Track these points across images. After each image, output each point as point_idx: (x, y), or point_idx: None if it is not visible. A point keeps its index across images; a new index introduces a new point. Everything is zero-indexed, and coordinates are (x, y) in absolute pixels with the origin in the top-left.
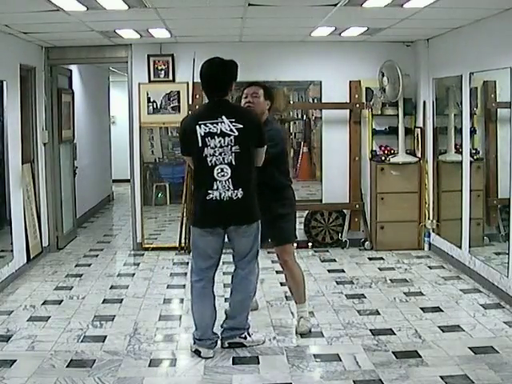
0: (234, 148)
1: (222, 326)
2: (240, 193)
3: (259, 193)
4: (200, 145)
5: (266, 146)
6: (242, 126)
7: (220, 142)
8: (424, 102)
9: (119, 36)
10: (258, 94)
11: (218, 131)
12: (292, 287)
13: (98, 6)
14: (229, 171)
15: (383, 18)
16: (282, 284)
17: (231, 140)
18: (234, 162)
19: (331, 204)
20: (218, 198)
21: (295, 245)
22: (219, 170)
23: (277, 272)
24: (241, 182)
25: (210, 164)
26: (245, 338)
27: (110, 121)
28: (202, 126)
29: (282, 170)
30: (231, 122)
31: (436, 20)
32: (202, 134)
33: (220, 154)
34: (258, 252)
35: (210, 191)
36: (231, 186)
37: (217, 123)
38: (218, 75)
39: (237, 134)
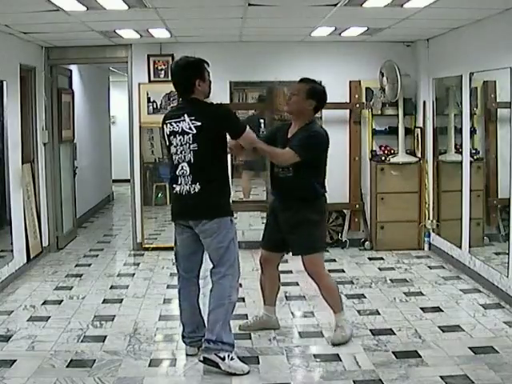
0: (192, 146)
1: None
2: (198, 187)
3: (287, 196)
4: (167, 143)
5: (246, 130)
6: (200, 123)
7: (180, 140)
8: (424, 102)
9: (119, 36)
10: (297, 91)
11: (180, 130)
12: (326, 298)
13: (97, 6)
14: (187, 169)
15: (383, 17)
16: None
17: (189, 138)
18: (192, 160)
19: (331, 204)
20: (179, 191)
21: (322, 255)
22: (180, 168)
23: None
24: (199, 178)
25: (174, 162)
26: (223, 358)
27: (110, 121)
28: (168, 125)
29: (317, 176)
30: (191, 120)
31: (436, 20)
32: (168, 132)
33: (181, 152)
34: (233, 257)
35: (174, 185)
36: (190, 181)
37: (179, 122)
38: (178, 75)
39: (195, 131)
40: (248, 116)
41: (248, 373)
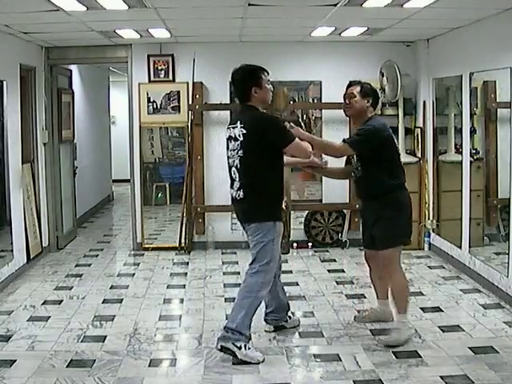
0: (239, 152)
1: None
2: (242, 193)
3: (363, 196)
4: (226, 147)
5: (294, 141)
6: (245, 131)
7: (233, 145)
8: (424, 102)
9: (119, 36)
10: (353, 93)
11: (234, 135)
12: (393, 295)
13: (97, 6)
14: (236, 174)
15: (383, 18)
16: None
17: (238, 144)
18: (238, 166)
19: (331, 204)
20: (232, 195)
21: (400, 249)
22: (232, 172)
23: None
24: (244, 184)
25: (229, 165)
26: (239, 347)
27: (110, 121)
28: (228, 130)
29: (387, 169)
30: (241, 128)
31: (436, 20)
32: (227, 137)
33: (232, 156)
34: (269, 256)
35: (230, 188)
36: (237, 187)
37: (234, 128)
38: (236, 83)
39: (242, 139)
40: None
41: (263, 361)
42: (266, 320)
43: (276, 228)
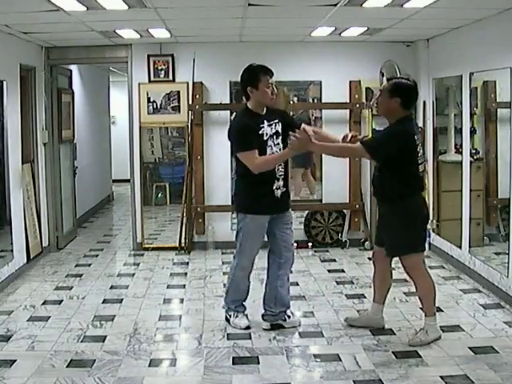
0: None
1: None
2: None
3: (378, 196)
4: None
5: (244, 152)
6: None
7: None
8: (424, 102)
9: (119, 36)
10: (381, 92)
11: None
12: (420, 299)
13: (97, 6)
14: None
15: (383, 17)
16: None
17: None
18: (234, 161)
19: (331, 204)
20: None
21: (421, 255)
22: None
23: None
24: (236, 177)
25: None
26: (230, 316)
27: (110, 121)
28: None
29: (401, 175)
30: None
31: (436, 20)
32: None
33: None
34: (242, 246)
35: None
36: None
37: None
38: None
39: None
40: None
41: (248, 328)
42: (263, 317)
43: (246, 220)
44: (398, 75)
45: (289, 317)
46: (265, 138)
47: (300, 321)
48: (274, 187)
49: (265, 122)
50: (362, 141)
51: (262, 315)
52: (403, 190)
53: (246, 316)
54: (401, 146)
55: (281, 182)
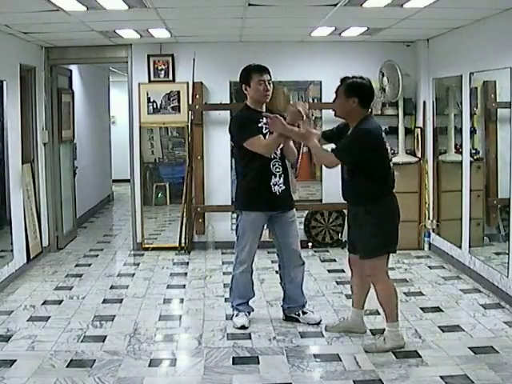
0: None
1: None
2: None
3: (348, 200)
4: None
5: (243, 143)
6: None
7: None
8: (424, 102)
9: (119, 36)
10: (336, 93)
11: None
12: (380, 304)
13: (97, 5)
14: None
15: (383, 17)
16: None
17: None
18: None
19: (331, 204)
20: None
21: (385, 259)
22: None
23: (276, 272)
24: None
25: None
26: (232, 315)
27: (110, 121)
28: None
29: (375, 175)
30: None
31: (436, 20)
32: None
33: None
34: (239, 242)
35: None
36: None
37: None
38: None
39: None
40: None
41: (243, 327)
42: (282, 307)
43: (242, 216)
44: (399, 75)
45: (304, 313)
46: (264, 132)
47: (316, 319)
48: (272, 183)
49: (264, 118)
50: (332, 148)
51: (282, 307)
52: (378, 189)
53: (247, 316)
54: (371, 146)
55: (279, 179)
